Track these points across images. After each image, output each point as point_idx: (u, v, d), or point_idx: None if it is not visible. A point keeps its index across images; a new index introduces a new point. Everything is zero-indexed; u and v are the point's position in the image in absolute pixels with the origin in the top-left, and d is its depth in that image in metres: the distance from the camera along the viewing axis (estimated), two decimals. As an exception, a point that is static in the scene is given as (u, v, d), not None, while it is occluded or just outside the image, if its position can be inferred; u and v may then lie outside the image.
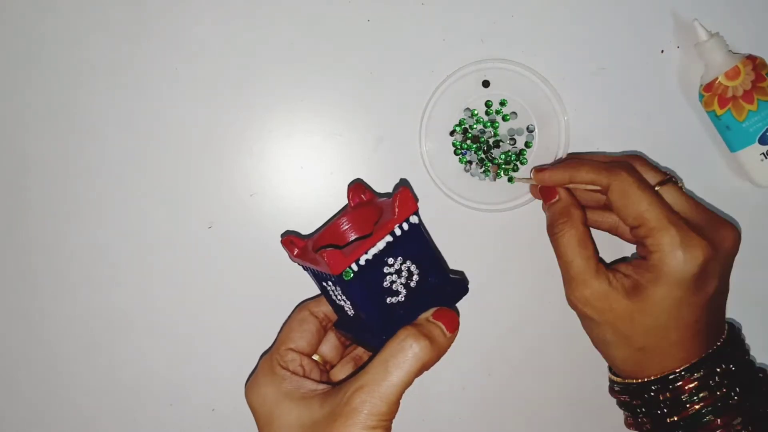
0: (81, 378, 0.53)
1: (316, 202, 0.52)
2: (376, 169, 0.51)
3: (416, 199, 0.43)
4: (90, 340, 0.52)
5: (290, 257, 0.45)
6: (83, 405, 0.53)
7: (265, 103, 0.51)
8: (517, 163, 0.51)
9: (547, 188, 0.47)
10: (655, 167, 0.47)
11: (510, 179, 0.51)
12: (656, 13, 0.51)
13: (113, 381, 0.53)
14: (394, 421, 0.39)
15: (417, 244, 0.42)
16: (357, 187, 0.46)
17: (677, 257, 0.42)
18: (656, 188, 0.45)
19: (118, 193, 0.51)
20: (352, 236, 0.46)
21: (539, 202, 0.51)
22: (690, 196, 0.46)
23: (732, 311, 0.53)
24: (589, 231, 0.46)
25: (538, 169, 0.48)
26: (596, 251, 0.45)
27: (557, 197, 0.47)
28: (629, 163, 0.45)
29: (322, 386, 0.42)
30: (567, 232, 0.45)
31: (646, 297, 0.43)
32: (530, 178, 0.49)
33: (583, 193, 0.47)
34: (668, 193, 0.45)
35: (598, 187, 0.45)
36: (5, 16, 0.50)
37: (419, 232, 0.42)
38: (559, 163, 0.48)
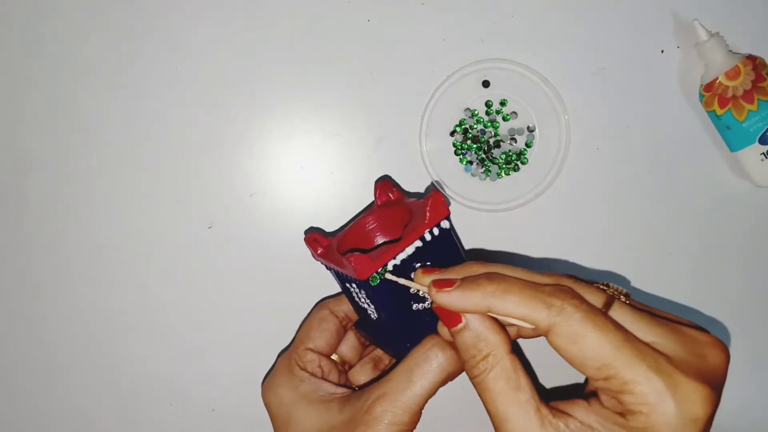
0: (81, 378, 0.53)
1: (316, 202, 0.52)
2: (376, 169, 0.51)
3: (448, 203, 0.41)
4: (90, 340, 0.52)
5: (313, 256, 0.44)
6: (83, 405, 0.53)
7: (265, 103, 0.51)
8: (518, 163, 0.51)
9: (445, 310, 0.35)
10: (588, 283, 0.35)
11: (373, 280, 0.39)
12: (656, 13, 0.51)
13: (113, 381, 0.53)
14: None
15: (446, 249, 0.41)
16: (384, 184, 0.45)
17: (671, 423, 0.30)
18: None
19: (118, 193, 0.51)
20: (378, 237, 0.45)
21: (539, 203, 0.51)
22: (646, 311, 0.34)
23: (733, 312, 0.53)
24: (518, 359, 0.34)
25: (439, 284, 0.35)
26: (533, 386, 0.34)
27: (463, 323, 0.34)
28: (570, 288, 0.33)
29: (341, 390, 0.42)
30: (489, 373, 0.34)
31: None
32: (416, 281, 0.38)
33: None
34: (621, 317, 0.33)
35: (531, 326, 0.33)
36: (5, 16, 0.50)
37: (450, 237, 0.41)
38: (472, 272, 0.35)
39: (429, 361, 0.38)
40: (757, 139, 0.49)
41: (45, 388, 0.53)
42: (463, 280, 0.35)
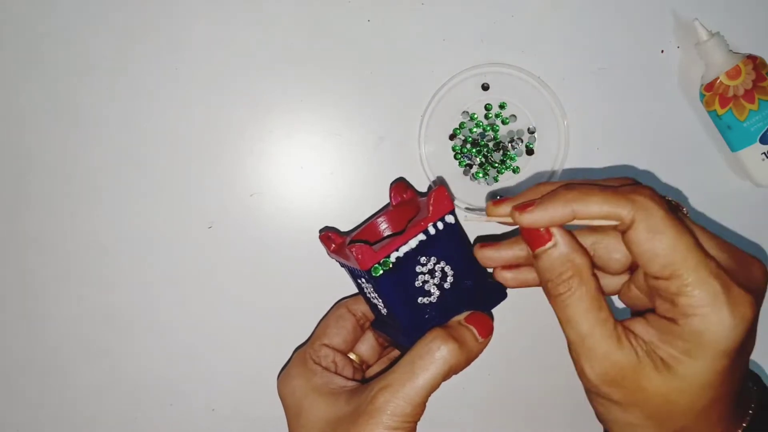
0: (81, 378, 0.53)
1: (316, 202, 0.52)
2: (376, 169, 0.51)
3: (453, 199, 0.41)
4: (90, 340, 0.52)
5: (327, 253, 0.45)
6: (83, 405, 0.53)
7: (265, 103, 0.51)
8: (518, 165, 0.51)
9: (533, 231, 0.35)
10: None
11: (375, 270, 0.40)
12: (656, 13, 0.51)
13: (113, 381, 0.53)
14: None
15: (452, 244, 0.41)
16: (399, 186, 0.46)
17: (724, 322, 0.32)
18: None
19: (118, 193, 0.51)
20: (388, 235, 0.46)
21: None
22: (703, 227, 0.36)
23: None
24: (599, 282, 0.35)
25: (520, 207, 0.35)
26: (609, 308, 0.35)
27: (553, 242, 0.35)
28: (649, 188, 0.34)
29: (351, 383, 0.42)
30: (576, 292, 0.34)
31: (684, 373, 0.33)
32: (484, 215, 0.39)
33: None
34: None
35: (614, 223, 0.34)
36: (5, 15, 0.50)
37: (455, 232, 0.41)
38: (543, 192, 0.36)
39: (431, 353, 0.38)
40: (758, 138, 0.49)
41: (45, 388, 0.53)
42: (543, 196, 0.35)
